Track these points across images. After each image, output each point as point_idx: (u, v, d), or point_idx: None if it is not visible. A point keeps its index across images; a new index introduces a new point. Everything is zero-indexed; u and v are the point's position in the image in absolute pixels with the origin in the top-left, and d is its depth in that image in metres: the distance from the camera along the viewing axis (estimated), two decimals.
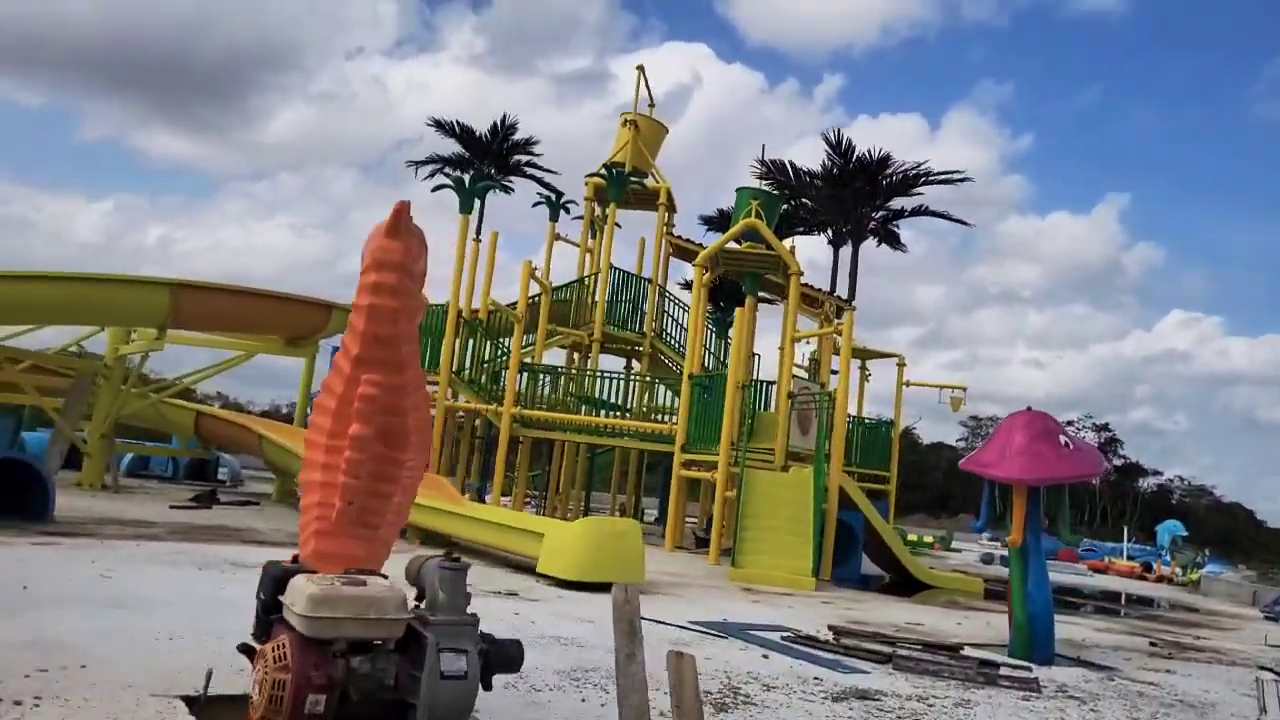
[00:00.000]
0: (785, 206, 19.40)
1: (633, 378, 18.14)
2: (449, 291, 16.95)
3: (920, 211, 17.39)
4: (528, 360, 18.40)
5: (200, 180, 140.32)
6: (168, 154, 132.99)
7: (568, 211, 22.39)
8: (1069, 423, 78.91)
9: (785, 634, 7.41)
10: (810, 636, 7.34)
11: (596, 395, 18.38)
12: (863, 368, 24.61)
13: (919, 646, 7.11)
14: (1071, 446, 8.38)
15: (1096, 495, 71.25)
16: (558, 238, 22.79)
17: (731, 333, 21.13)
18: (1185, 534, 29.34)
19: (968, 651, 7.41)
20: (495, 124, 20.24)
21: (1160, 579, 23.43)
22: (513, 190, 21.78)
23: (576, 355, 20.68)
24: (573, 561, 8.85)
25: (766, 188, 17.67)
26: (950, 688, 6.08)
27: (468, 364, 17.44)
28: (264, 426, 15.53)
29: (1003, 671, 6.75)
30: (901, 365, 23.61)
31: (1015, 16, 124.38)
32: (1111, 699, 6.33)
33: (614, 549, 9.11)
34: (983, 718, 5.34)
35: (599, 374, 18.39)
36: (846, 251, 18.53)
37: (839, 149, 16.66)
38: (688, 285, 25.61)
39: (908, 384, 23.66)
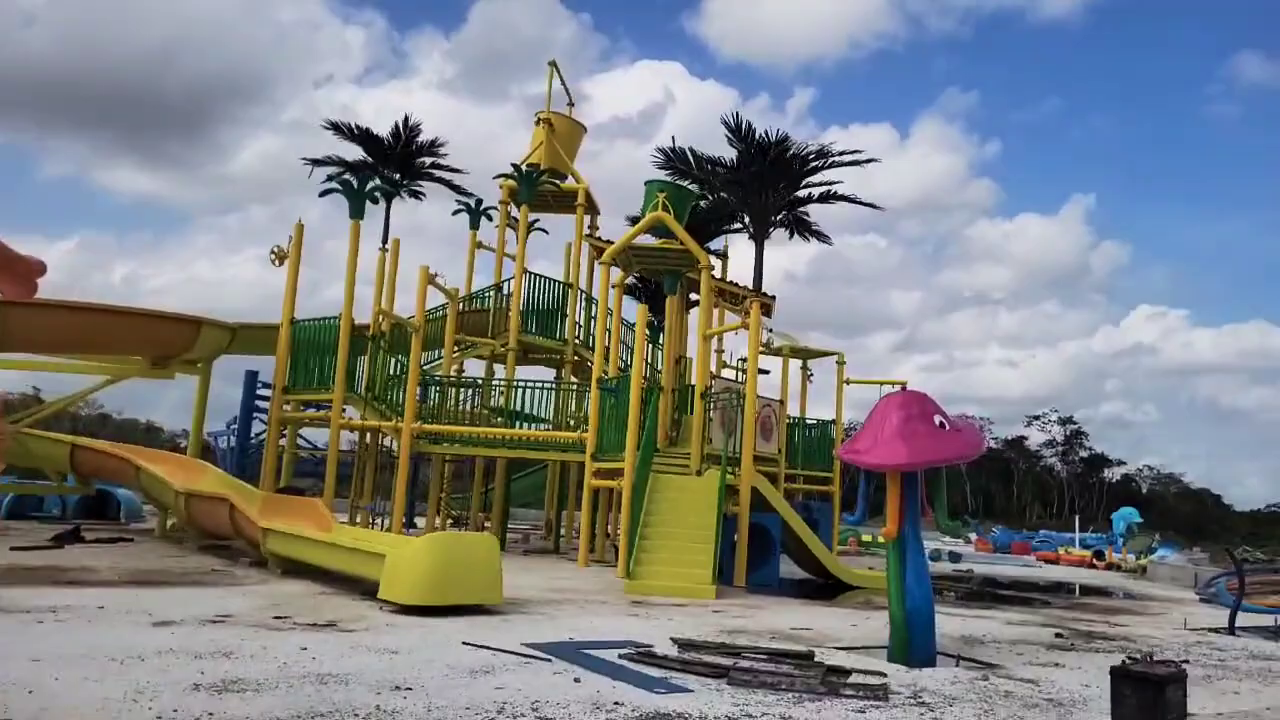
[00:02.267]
0: (704, 202, 18.70)
1: (547, 386, 17.26)
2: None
3: (829, 197, 16.74)
4: (439, 374, 17.58)
5: (169, 216, 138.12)
6: (134, 190, 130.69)
7: (489, 219, 21.63)
8: (1035, 417, 79.17)
9: (625, 650, 6.63)
10: (650, 652, 6.57)
11: (513, 407, 17.57)
12: (804, 368, 24.00)
13: (765, 656, 6.36)
14: (948, 426, 7.69)
15: (1064, 486, 71.30)
16: (480, 246, 22.04)
17: (661, 332, 20.47)
18: (1139, 520, 28.83)
19: (825, 658, 6.67)
20: (397, 126, 19.41)
21: (1109, 566, 22.88)
22: (424, 196, 20.99)
23: (501, 367, 19.87)
24: (414, 583, 8.03)
25: (670, 178, 16.95)
26: (780, 702, 5.32)
27: (375, 381, 16.62)
28: (143, 457, 14.54)
29: (853, 679, 6.02)
30: (841, 364, 23.01)
31: (978, 26, 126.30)
32: (969, 703, 5.60)
33: (463, 568, 8.29)
34: None
35: (515, 384, 17.57)
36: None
37: (739, 133, 15.95)
38: (626, 290, 24.99)
39: (848, 382, 23.05)
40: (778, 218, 17.07)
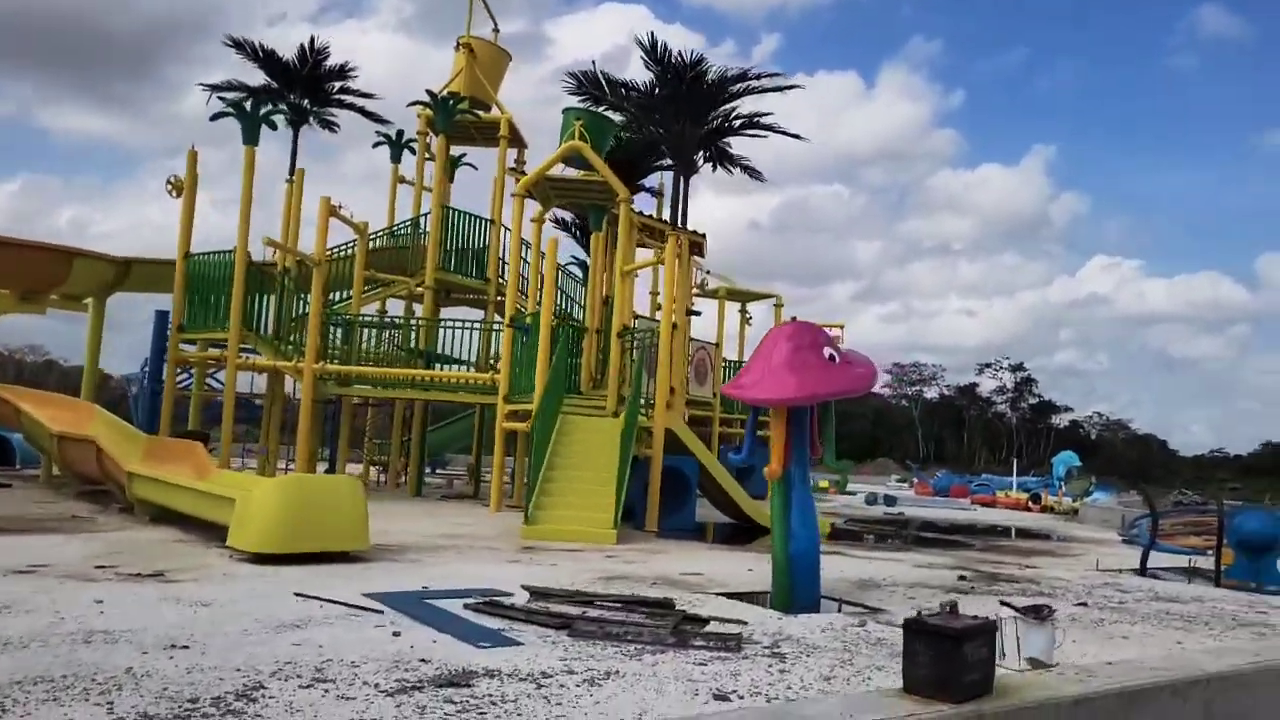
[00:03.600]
0: (627, 133, 17.81)
1: (461, 325, 16.52)
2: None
3: (750, 125, 15.97)
4: (348, 313, 16.73)
5: (118, 158, 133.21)
6: (81, 131, 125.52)
7: (412, 152, 20.60)
8: (986, 365, 79.96)
9: (473, 600, 6.05)
10: (496, 601, 6.00)
11: (435, 349, 16.82)
12: (742, 310, 23.46)
13: (619, 605, 5.82)
14: (838, 359, 7.12)
15: (1014, 433, 72.33)
16: (402, 180, 21.03)
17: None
18: (1079, 464, 29.01)
19: (697, 605, 6.16)
20: (303, 47, 18.18)
21: (1045, 509, 22.89)
22: (337, 127, 19.87)
23: (421, 307, 19.02)
24: (262, 529, 7.35)
25: (584, 105, 16.04)
26: (616, 655, 4.77)
27: (281, 320, 15.75)
28: (26, 399, 13.60)
29: (709, 629, 5.51)
30: (779, 306, 22.55)
31: None
32: (830, 652, 5.10)
33: (321, 512, 7.63)
34: (611, 693, 4.03)
35: (425, 322, 16.79)
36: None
37: (654, 54, 15.07)
38: (557, 224, 24.08)
39: None
40: (706, 152, 16.32)
